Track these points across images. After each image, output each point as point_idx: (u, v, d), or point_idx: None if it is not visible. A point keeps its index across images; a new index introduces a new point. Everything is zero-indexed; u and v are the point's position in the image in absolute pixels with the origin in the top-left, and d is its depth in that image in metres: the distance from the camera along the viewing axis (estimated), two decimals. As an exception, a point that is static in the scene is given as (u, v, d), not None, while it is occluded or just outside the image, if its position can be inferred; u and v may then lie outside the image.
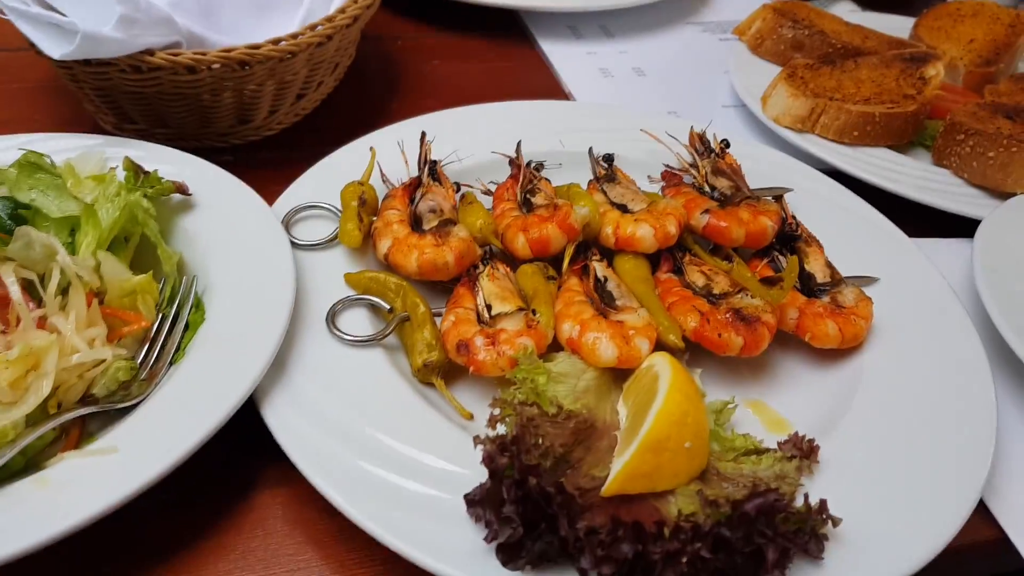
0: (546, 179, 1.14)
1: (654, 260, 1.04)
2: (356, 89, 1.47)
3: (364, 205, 1.03)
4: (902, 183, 1.25)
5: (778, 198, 1.13)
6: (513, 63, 1.62)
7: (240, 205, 1.00)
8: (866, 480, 0.81)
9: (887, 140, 1.34)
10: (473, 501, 0.68)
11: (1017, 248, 1.11)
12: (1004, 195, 1.24)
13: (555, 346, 0.91)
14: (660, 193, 1.16)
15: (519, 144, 1.18)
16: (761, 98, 1.41)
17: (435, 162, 1.13)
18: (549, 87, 1.55)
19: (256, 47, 1.12)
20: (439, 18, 1.67)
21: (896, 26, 1.70)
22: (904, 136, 1.35)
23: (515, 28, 1.70)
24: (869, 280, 1.05)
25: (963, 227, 1.19)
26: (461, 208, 1.06)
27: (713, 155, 1.18)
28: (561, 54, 1.63)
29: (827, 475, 0.81)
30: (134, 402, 0.80)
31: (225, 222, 0.98)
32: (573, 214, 1.01)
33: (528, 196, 1.07)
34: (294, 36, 1.16)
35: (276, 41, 1.15)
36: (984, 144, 1.24)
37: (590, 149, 1.21)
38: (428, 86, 1.52)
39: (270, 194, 1.06)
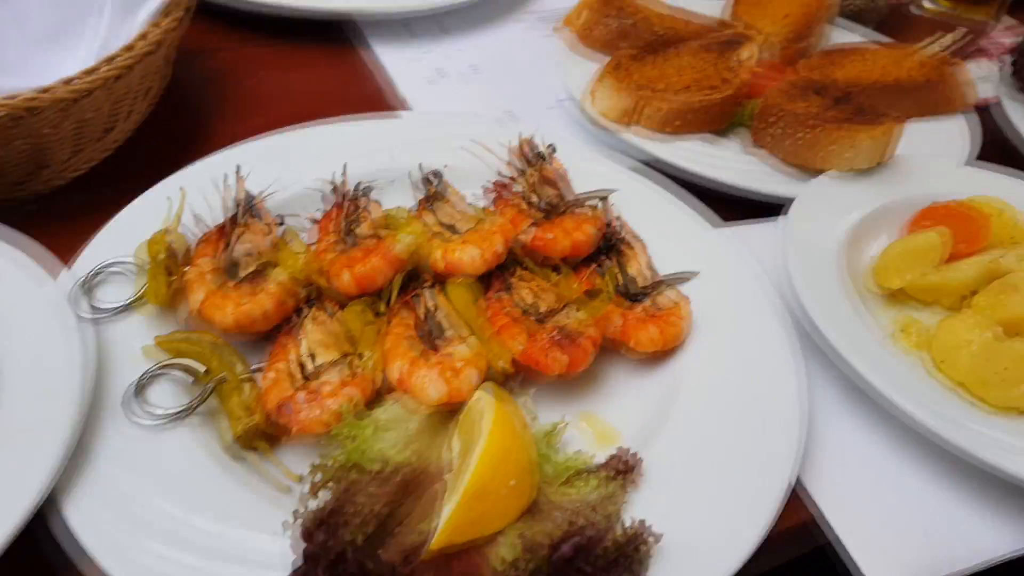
0: (376, 201, 1.12)
1: (488, 278, 1.05)
2: (177, 110, 1.39)
3: (172, 257, 0.98)
4: (719, 168, 1.28)
5: (603, 199, 1.15)
6: (343, 69, 1.57)
7: (15, 279, 0.92)
8: (687, 486, 0.85)
9: (708, 126, 1.37)
10: (289, 586, 0.67)
11: (824, 226, 1.17)
12: (818, 172, 1.29)
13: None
14: (492, 205, 1.16)
15: (344, 168, 1.15)
16: (590, 92, 1.42)
17: (252, 197, 1.08)
18: (382, 93, 1.51)
19: (45, 90, 1.04)
20: (262, 26, 1.59)
21: (718, 6, 1.73)
22: (723, 120, 1.39)
23: (346, 29, 1.64)
24: (687, 277, 1.08)
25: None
26: (280, 248, 1.03)
27: (541, 163, 1.19)
28: (394, 56, 1.59)
29: (651, 485, 0.84)
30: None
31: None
32: (397, 244, 0.99)
33: (352, 227, 1.05)
34: (88, 72, 1.08)
35: (68, 80, 1.07)
36: (793, 125, 1.29)
37: (420, 166, 1.20)
38: (253, 102, 1.46)
39: (81, 247, 1.00)
